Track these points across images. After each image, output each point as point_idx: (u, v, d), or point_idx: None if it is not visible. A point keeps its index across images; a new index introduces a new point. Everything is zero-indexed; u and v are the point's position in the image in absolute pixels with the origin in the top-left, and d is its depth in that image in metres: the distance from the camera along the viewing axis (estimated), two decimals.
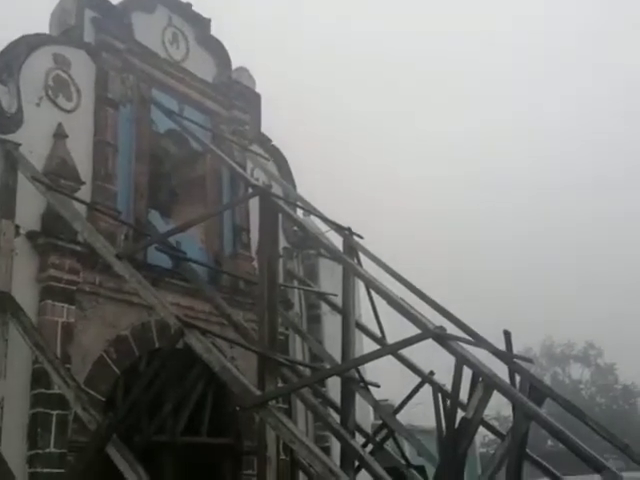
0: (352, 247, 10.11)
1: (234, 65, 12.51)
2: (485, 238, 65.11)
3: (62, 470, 7.77)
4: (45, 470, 7.78)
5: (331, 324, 12.25)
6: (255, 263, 11.26)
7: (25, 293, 8.39)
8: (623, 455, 9.76)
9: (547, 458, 10.22)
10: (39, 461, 7.84)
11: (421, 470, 9.93)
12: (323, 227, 11.24)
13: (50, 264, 8.60)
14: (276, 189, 11.50)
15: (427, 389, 10.23)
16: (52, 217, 8.65)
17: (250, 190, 10.19)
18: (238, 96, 12.29)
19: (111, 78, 10.14)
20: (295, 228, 12.80)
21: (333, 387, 10.91)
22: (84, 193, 9.21)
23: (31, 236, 8.65)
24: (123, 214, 9.78)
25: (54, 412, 8.05)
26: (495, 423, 10.99)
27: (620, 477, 7.30)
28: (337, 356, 10.18)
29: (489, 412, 9.36)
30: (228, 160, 10.88)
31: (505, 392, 7.42)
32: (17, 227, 8.56)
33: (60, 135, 9.25)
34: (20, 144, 8.75)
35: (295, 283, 12.67)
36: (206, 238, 11.32)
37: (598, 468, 7.19)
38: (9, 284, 8.27)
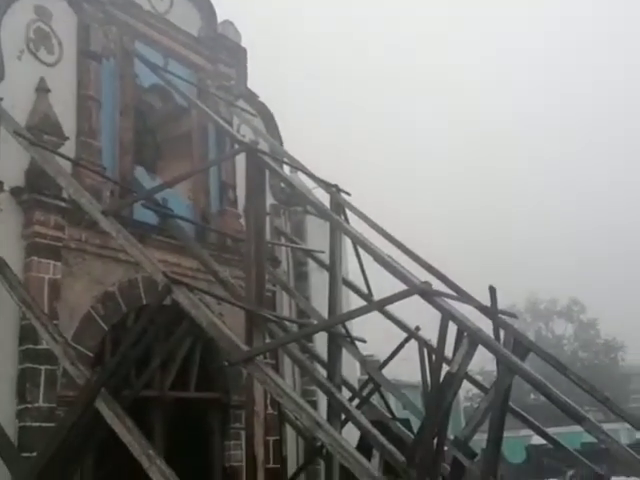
0: (339, 204, 10.10)
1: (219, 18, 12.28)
2: (473, 197, 65.49)
3: (52, 424, 7.85)
4: (35, 424, 7.88)
5: (318, 281, 12.32)
6: (242, 220, 11.23)
7: (10, 250, 8.35)
8: (603, 408, 9.99)
9: (529, 411, 10.44)
10: (29, 415, 7.93)
11: (406, 423, 10.11)
12: (310, 184, 11.21)
13: (35, 220, 8.55)
14: (263, 145, 11.39)
15: (413, 346, 10.37)
16: (36, 173, 8.56)
17: (236, 146, 10.10)
18: (223, 50, 12.10)
19: (93, 30, 9.94)
20: (282, 185, 12.75)
21: (320, 343, 11.02)
22: (68, 149, 9.09)
23: (15, 192, 8.57)
24: (108, 170, 9.68)
25: (42, 367, 8.11)
26: (479, 378, 11.16)
27: (599, 427, 7.48)
28: (324, 312, 10.23)
29: (473, 367, 9.51)
30: (214, 116, 10.75)
31: (489, 346, 7.51)
32: (1, 183, 8.47)
33: (42, 89, 9.09)
34: (2, 98, 8.60)
35: (282, 240, 12.67)
36: (193, 195, 11.26)
37: (578, 419, 7.35)
38: None
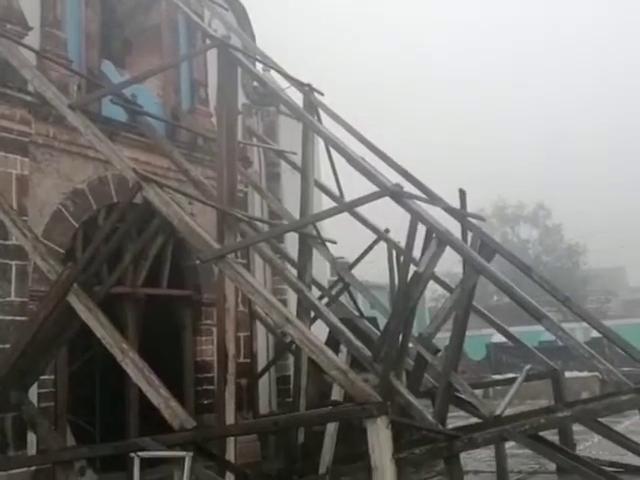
0: (312, 104, 9.97)
1: None
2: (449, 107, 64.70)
3: (24, 317, 7.95)
4: (7, 317, 7.95)
5: (290, 182, 12.30)
6: (214, 119, 11.03)
7: None
8: (561, 309, 10.37)
9: (492, 312, 10.83)
10: (0, 309, 7.98)
11: (373, 321, 10.39)
12: (284, 84, 10.99)
13: (0, 114, 8.32)
14: (235, 41, 11.05)
15: (382, 249, 10.54)
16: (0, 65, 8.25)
17: (208, 41, 9.80)
18: None
19: None
20: (255, 84, 12.48)
21: (291, 245, 11.14)
22: (32, 40, 8.73)
23: None
24: (74, 64, 9.36)
25: (13, 262, 8.10)
26: (445, 280, 11.43)
27: (557, 325, 7.84)
28: (296, 214, 10.29)
29: (440, 269, 9.71)
30: (184, 7, 10.35)
31: (456, 247, 7.71)
32: None
33: None
34: None
35: (254, 140, 12.54)
36: (163, 92, 11.00)
37: (538, 317, 7.69)
38: None
